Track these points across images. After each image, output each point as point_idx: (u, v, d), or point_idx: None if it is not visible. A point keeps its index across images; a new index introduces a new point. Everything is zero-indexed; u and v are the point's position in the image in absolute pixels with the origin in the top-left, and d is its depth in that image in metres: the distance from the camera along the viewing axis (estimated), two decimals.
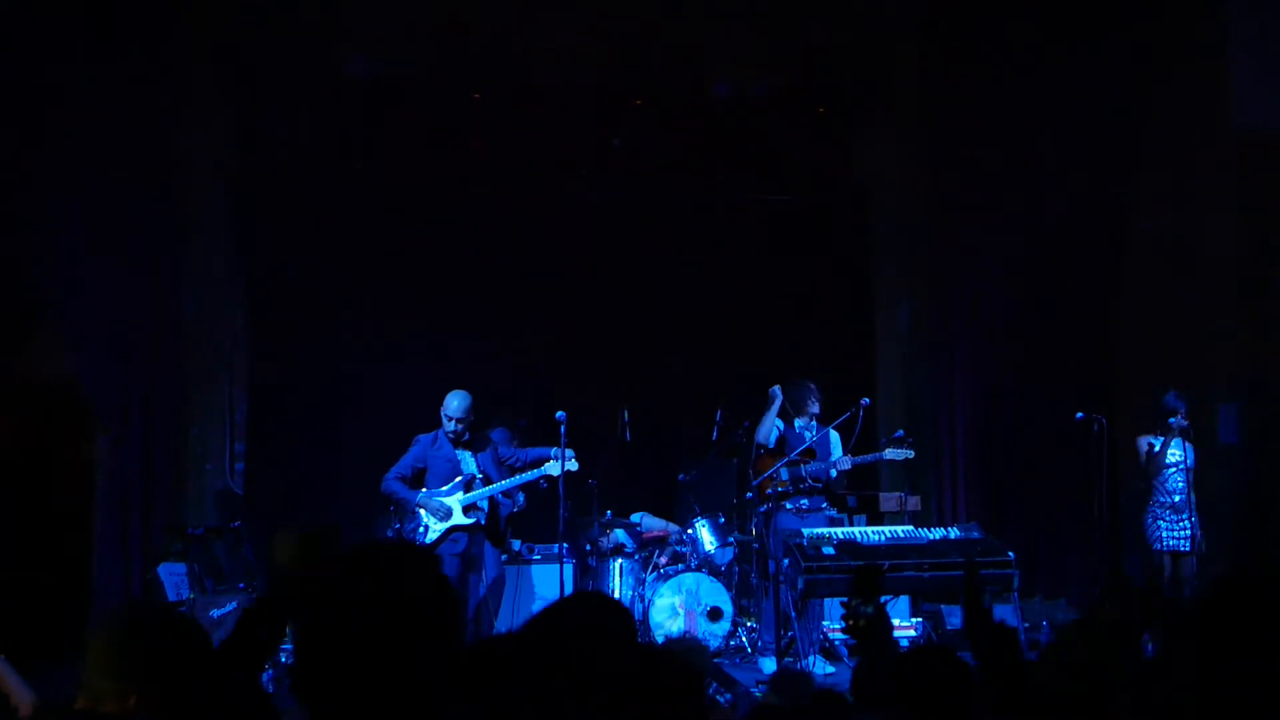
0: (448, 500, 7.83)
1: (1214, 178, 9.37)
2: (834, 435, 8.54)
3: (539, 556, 9.03)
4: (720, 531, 8.93)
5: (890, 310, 10.93)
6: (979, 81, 10.31)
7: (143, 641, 2.37)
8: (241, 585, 8.38)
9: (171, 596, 9.19)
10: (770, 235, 11.00)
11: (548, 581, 8.13)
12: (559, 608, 2.45)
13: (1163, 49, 9.86)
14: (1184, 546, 8.04)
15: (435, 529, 7.78)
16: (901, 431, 8.63)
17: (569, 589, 8.25)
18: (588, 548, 9.16)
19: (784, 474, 8.32)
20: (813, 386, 8.58)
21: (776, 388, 8.51)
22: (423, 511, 7.83)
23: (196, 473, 9.88)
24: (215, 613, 8.53)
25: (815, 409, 8.55)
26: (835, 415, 8.48)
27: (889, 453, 8.41)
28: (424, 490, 7.90)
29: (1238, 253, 9.23)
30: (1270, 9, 9.25)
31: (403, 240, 10.36)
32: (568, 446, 7.87)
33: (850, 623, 2.63)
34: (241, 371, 10.32)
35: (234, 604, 8.52)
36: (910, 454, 8.45)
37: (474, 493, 7.86)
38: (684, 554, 8.92)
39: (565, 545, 8.11)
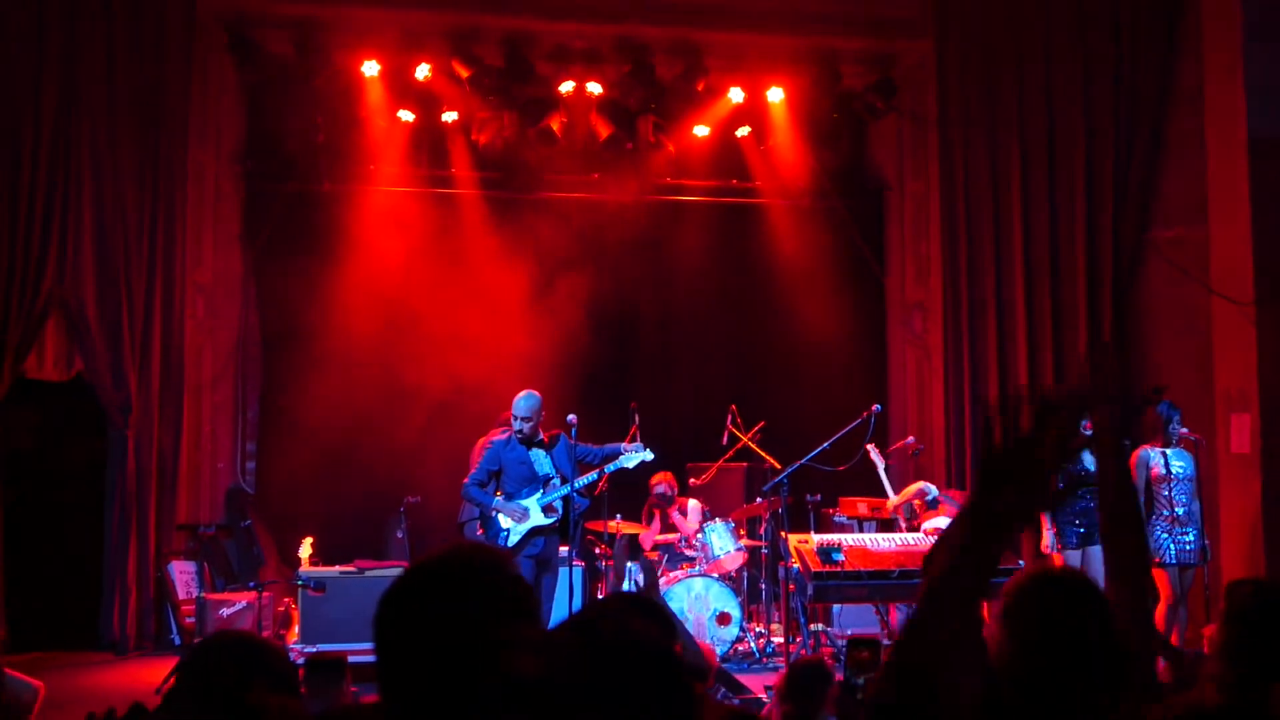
0: (525, 502, 7.71)
1: (1228, 185, 9.35)
2: None
3: None
4: (731, 536, 8.91)
5: (904, 315, 10.92)
6: (993, 86, 10.31)
7: (219, 664, 2.46)
8: (252, 584, 8.39)
9: (182, 594, 9.22)
10: (783, 238, 11.00)
11: (558, 583, 8.11)
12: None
13: (1177, 54, 9.87)
14: (1191, 559, 7.94)
15: (516, 532, 7.65)
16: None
17: (578, 591, 8.25)
18: (597, 550, 9.16)
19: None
20: None
21: None
22: (501, 516, 7.70)
23: (208, 471, 9.90)
24: (225, 611, 8.55)
25: None
26: (847, 421, 8.46)
27: (870, 449, 8.42)
28: (500, 496, 7.76)
29: (1251, 259, 9.21)
30: None
31: (414, 240, 10.39)
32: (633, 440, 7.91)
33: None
34: (253, 371, 10.36)
35: (243, 603, 8.54)
36: (882, 462, 8.38)
37: (552, 493, 7.73)
38: (694, 558, 8.91)
39: (574, 549, 8.10)
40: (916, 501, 8.59)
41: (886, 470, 8.51)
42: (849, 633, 8.98)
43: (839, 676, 2.96)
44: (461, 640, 1.73)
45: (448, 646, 1.73)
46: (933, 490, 8.56)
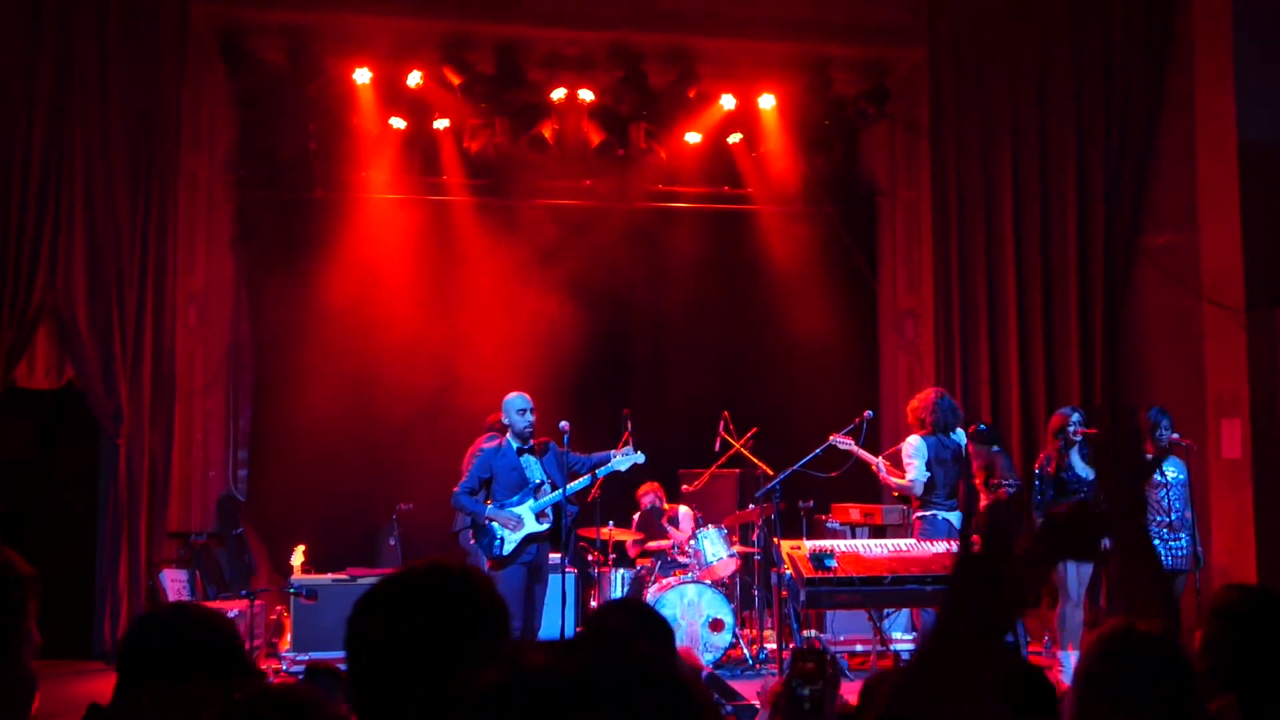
0: (518, 509, 7.66)
1: (1219, 191, 9.38)
2: None
3: None
4: (724, 542, 8.91)
5: (895, 321, 10.93)
6: (986, 93, 10.34)
7: (147, 640, 2.33)
8: (244, 592, 8.36)
9: None
10: (775, 244, 11.01)
11: (549, 590, 8.10)
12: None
13: (1169, 61, 9.90)
14: (1184, 565, 7.94)
15: (511, 540, 7.60)
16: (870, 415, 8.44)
17: (570, 598, 8.24)
18: (590, 557, 9.15)
19: None
20: None
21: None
22: (495, 524, 7.64)
23: (200, 479, 9.88)
24: None
25: None
26: (839, 427, 8.46)
27: (835, 440, 8.28)
28: (492, 503, 7.71)
29: (1242, 266, 9.24)
30: (1273, 26, 9.29)
31: (406, 247, 10.39)
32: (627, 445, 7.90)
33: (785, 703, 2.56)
34: (245, 378, 10.33)
35: (235, 611, 8.51)
36: (850, 442, 8.24)
37: (544, 499, 7.70)
38: (686, 565, 8.91)
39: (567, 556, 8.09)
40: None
41: (862, 447, 8.32)
42: (841, 639, 8.98)
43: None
44: (429, 653, 1.74)
45: (415, 659, 1.74)
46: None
